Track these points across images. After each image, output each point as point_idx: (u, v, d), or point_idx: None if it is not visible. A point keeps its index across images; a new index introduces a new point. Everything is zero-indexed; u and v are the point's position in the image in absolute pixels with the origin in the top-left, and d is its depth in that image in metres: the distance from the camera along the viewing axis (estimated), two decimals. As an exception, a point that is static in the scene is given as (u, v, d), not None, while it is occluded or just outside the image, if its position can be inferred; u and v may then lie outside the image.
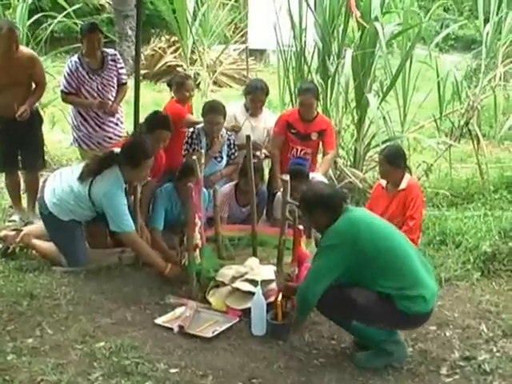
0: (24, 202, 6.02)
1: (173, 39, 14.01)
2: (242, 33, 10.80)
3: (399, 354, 3.64)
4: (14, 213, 5.98)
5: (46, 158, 6.34)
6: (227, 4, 11.18)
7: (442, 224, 5.65)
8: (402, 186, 4.90)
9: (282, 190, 4.59)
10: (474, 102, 6.96)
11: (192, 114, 6.07)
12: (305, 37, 6.79)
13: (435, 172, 7.11)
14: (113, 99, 5.88)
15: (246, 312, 4.03)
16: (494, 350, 3.81)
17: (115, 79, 5.91)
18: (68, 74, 5.75)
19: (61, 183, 4.73)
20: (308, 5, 6.64)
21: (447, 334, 4.00)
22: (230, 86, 13.81)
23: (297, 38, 6.73)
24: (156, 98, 10.93)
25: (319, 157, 6.09)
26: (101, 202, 4.54)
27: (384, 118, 6.59)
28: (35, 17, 7.88)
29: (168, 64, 14.05)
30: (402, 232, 3.91)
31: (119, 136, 5.85)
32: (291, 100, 6.87)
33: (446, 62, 7.76)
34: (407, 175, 4.95)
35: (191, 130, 5.53)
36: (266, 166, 6.19)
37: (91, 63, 5.78)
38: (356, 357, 3.68)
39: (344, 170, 6.53)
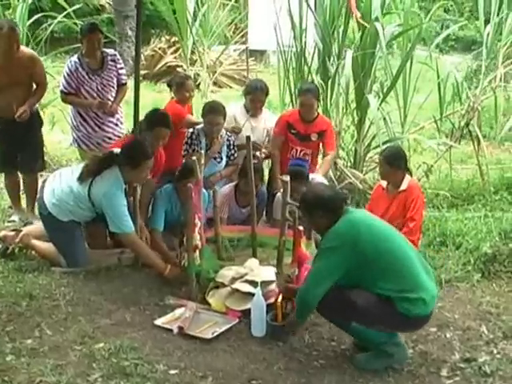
0: (23, 203, 6.00)
1: (173, 40, 14.00)
2: (242, 33, 10.80)
3: (399, 356, 3.63)
4: (13, 213, 5.97)
5: (45, 158, 6.32)
6: (227, 4, 11.18)
7: (443, 225, 5.65)
8: (403, 187, 4.89)
9: (281, 190, 4.59)
10: (475, 103, 6.96)
11: (192, 114, 6.06)
12: (305, 37, 6.77)
13: (435, 173, 7.10)
14: (112, 99, 5.88)
15: (246, 313, 4.02)
16: (495, 351, 3.81)
17: (115, 79, 5.91)
18: (68, 74, 5.74)
19: (60, 184, 4.72)
20: (308, 5, 6.63)
21: (447, 335, 3.99)
22: (230, 87, 13.81)
23: (297, 38, 6.72)
24: (156, 98, 10.91)
25: (320, 158, 6.07)
26: (100, 202, 4.53)
27: (384, 118, 6.59)
28: (35, 17, 7.87)
29: (168, 64, 14.05)
30: (402, 233, 3.90)
31: (119, 136, 5.84)
32: (291, 101, 6.86)
33: (447, 62, 7.75)
34: (408, 176, 4.94)
35: (191, 130, 5.52)
36: (266, 166, 6.19)
37: (91, 63, 5.77)
38: (356, 358, 3.67)
39: (344, 170, 6.52)
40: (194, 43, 9.20)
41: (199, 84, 9.38)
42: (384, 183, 5.06)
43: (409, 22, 6.86)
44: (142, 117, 5.19)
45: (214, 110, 5.40)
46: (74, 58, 5.80)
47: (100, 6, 17.20)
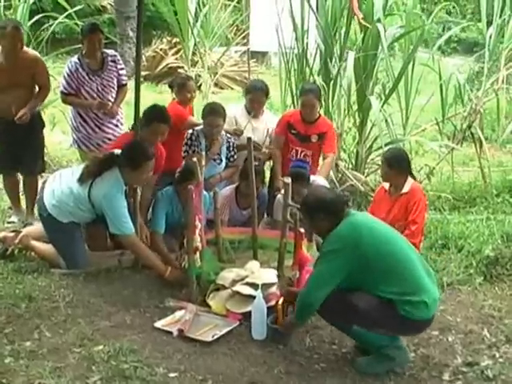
0: (23, 204, 5.98)
1: (174, 41, 13.98)
2: (243, 35, 10.76)
3: (401, 359, 3.61)
4: (12, 214, 5.95)
5: (45, 159, 6.30)
6: (229, 5, 11.17)
7: (444, 228, 5.62)
8: (405, 189, 4.86)
9: (282, 192, 4.57)
10: (477, 105, 6.93)
11: (193, 115, 6.04)
12: (307, 39, 6.76)
13: (437, 175, 7.08)
14: (113, 100, 5.86)
15: (247, 316, 4.00)
16: (497, 355, 3.79)
17: (115, 80, 5.89)
18: (68, 75, 5.72)
19: (60, 185, 4.70)
20: (310, 6, 6.62)
21: (449, 339, 3.97)
22: (232, 88, 13.79)
23: (299, 40, 6.71)
24: (157, 99, 10.83)
25: (321, 159, 6.05)
26: (100, 204, 4.51)
27: (386, 120, 6.57)
28: (36, 17, 7.86)
29: (169, 66, 14.01)
30: (403, 236, 3.88)
31: (119, 137, 5.82)
32: (293, 102, 6.84)
33: (449, 64, 7.73)
34: (410, 179, 4.91)
35: (190, 131, 5.49)
36: (267, 168, 6.17)
37: (91, 64, 5.75)
38: (357, 362, 3.65)
39: (346, 172, 6.50)
40: (195, 44, 9.18)
41: (200, 85, 9.36)
42: (386, 185, 5.04)
43: (411, 23, 6.84)
44: (142, 118, 5.16)
45: (214, 112, 5.38)
46: (74, 58, 5.78)
47: (101, 6, 17.19)
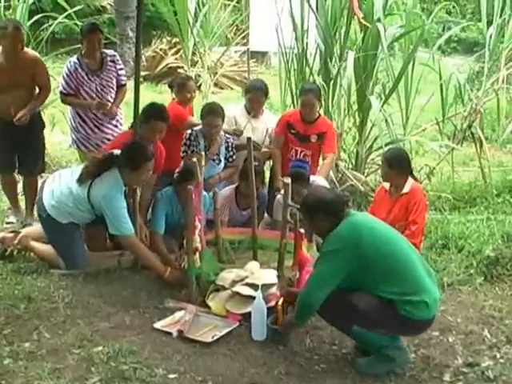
0: (22, 204, 5.97)
1: (174, 41, 13.97)
2: (243, 34, 10.78)
3: (401, 360, 3.60)
4: (11, 214, 5.94)
5: (45, 159, 6.28)
6: (228, 5, 11.16)
7: (445, 228, 5.60)
8: (405, 189, 4.85)
9: (282, 192, 4.56)
10: (477, 105, 6.92)
11: (193, 115, 6.04)
12: (307, 39, 6.75)
13: (437, 175, 7.07)
14: (112, 100, 5.84)
15: (246, 316, 3.99)
16: (498, 356, 3.78)
17: (114, 80, 5.88)
18: (67, 75, 5.71)
19: (60, 185, 4.69)
20: (310, 6, 6.61)
21: (450, 339, 3.96)
22: (231, 88, 13.78)
23: (298, 39, 6.70)
24: (157, 99, 10.80)
25: (321, 159, 6.04)
26: (100, 204, 4.49)
27: (386, 120, 6.55)
28: (35, 17, 7.85)
29: (169, 66, 14.01)
30: (404, 236, 3.87)
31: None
32: (293, 102, 6.83)
33: (449, 64, 7.72)
34: (410, 179, 4.90)
35: (189, 131, 5.48)
36: (267, 168, 6.16)
37: (90, 64, 5.74)
38: (357, 362, 3.64)
39: (346, 172, 6.49)
40: (194, 44, 9.18)
41: (200, 85, 9.35)
42: (387, 185, 5.03)
43: (411, 23, 6.83)
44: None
45: (212, 112, 5.37)
46: (73, 58, 5.77)
47: (101, 6, 17.19)
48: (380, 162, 5.41)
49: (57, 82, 6.05)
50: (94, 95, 5.75)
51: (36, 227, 5.10)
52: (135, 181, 4.67)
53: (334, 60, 6.62)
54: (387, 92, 6.70)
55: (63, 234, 4.68)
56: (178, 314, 4.08)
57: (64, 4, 7.99)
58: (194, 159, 4.48)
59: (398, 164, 4.84)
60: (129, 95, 5.96)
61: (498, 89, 7.10)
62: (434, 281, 3.60)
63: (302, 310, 3.64)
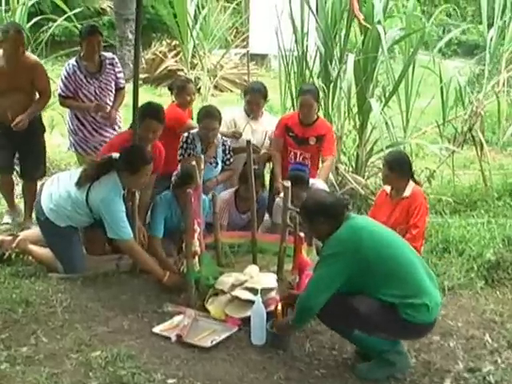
0: (21, 206, 5.95)
1: (174, 43, 13.98)
2: (243, 37, 10.75)
3: (402, 365, 3.59)
4: (6, 214, 5.92)
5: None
6: (228, 8, 11.16)
7: (445, 231, 5.59)
8: (406, 193, 4.83)
9: (281, 195, 4.54)
10: (478, 107, 6.91)
11: (192, 118, 6.01)
12: (306, 41, 6.74)
13: (438, 178, 7.06)
14: (110, 103, 5.83)
15: (246, 321, 3.97)
16: (499, 361, 3.76)
17: (113, 83, 5.86)
18: (65, 78, 5.69)
19: (58, 188, 4.66)
20: (310, 9, 6.60)
21: (451, 344, 3.94)
22: (231, 91, 13.76)
23: (298, 42, 6.69)
24: (156, 102, 10.89)
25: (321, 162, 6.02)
26: (98, 208, 4.47)
27: (386, 123, 6.54)
28: (35, 19, 7.84)
29: (169, 68, 14.01)
30: (405, 240, 3.85)
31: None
32: (292, 105, 6.81)
33: (449, 67, 7.70)
34: (411, 182, 4.88)
35: (186, 134, 5.46)
36: (267, 171, 6.14)
37: (89, 67, 5.72)
38: (358, 367, 3.62)
39: (346, 175, 6.47)
40: (194, 47, 9.18)
41: (200, 88, 9.34)
42: (388, 188, 5.01)
43: (411, 25, 6.82)
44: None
45: (209, 115, 5.35)
46: (72, 61, 5.75)
47: (101, 9, 17.20)
48: (380, 165, 5.39)
49: (56, 85, 6.03)
50: (93, 98, 5.73)
51: (34, 230, 5.07)
52: (134, 184, 4.65)
53: (334, 63, 6.61)
54: (387, 95, 6.68)
55: (61, 237, 4.66)
56: (177, 319, 4.05)
57: (63, 6, 7.99)
58: (194, 162, 4.46)
59: (398, 167, 4.82)
60: (128, 98, 5.94)
61: (498, 91, 7.09)
62: (435, 284, 3.58)
63: (302, 313, 3.62)
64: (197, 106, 6.62)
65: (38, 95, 5.63)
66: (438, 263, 5.09)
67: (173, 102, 5.88)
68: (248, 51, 9.92)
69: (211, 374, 3.50)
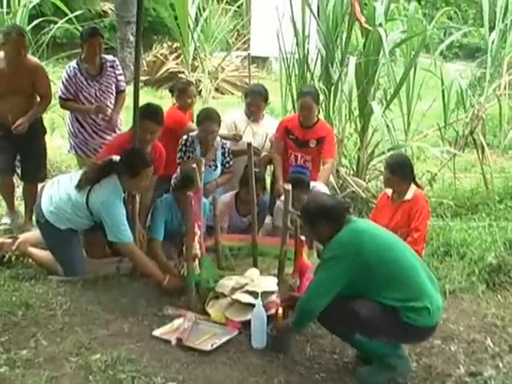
0: (21, 209, 5.94)
1: (175, 46, 14.00)
2: (244, 40, 10.76)
3: (403, 369, 3.58)
4: (5, 215, 5.91)
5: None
6: (229, 10, 11.16)
7: (446, 235, 5.57)
8: (408, 196, 4.82)
9: (282, 198, 4.53)
10: (479, 110, 6.90)
11: (193, 121, 6.00)
12: (308, 44, 6.73)
13: (439, 181, 7.05)
14: (111, 106, 5.82)
15: (246, 324, 3.95)
16: (501, 365, 3.75)
17: (114, 86, 5.85)
18: (66, 80, 5.68)
19: (58, 191, 4.65)
20: (311, 11, 6.59)
21: (452, 348, 3.93)
22: (232, 93, 13.78)
23: (300, 45, 6.68)
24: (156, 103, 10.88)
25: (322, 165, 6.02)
26: (98, 211, 4.46)
27: (387, 126, 6.53)
28: (35, 22, 7.84)
29: (170, 70, 14.01)
30: (406, 243, 3.84)
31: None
32: (293, 107, 6.80)
33: (451, 70, 7.71)
34: (413, 186, 4.86)
35: (185, 137, 5.44)
36: (268, 175, 6.13)
37: (90, 69, 5.71)
38: (358, 371, 3.61)
39: (347, 179, 6.47)
40: (195, 49, 9.18)
41: (201, 90, 9.34)
42: (389, 192, 5.00)
43: (412, 28, 6.82)
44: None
45: (209, 118, 5.34)
46: (73, 63, 5.75)
47: (102, 11, 17.22)
48: (381, 168, 5.38)
49: (57, 87, 6.02)
50: (93, 100, 5.72)
51: (34, 233, 5.05)
52: (134, 187, 4.64)
53: (335, 65, 6.60)
54: (389, 97, 6.68)
55: (61, 240, 4.65)
56: (177, 322, 4.04)
57: (65, 8, 7.98)
58: (194, 165, 4.45)
59: (400, 170, 4.81)
60: (129, 100, 5.93)
61: (499, 95, 7.08)
62: (436, 288, 3.57)
63: (302, 316, 3.62)
64: (198, 108, 6.60)
65: (38, 98, 5.62)
66: (439, 266, 5.08)
67: (174, 104, 5.89)
68: (249, 54, 9.90)
69: (211, 377, 3.49)
